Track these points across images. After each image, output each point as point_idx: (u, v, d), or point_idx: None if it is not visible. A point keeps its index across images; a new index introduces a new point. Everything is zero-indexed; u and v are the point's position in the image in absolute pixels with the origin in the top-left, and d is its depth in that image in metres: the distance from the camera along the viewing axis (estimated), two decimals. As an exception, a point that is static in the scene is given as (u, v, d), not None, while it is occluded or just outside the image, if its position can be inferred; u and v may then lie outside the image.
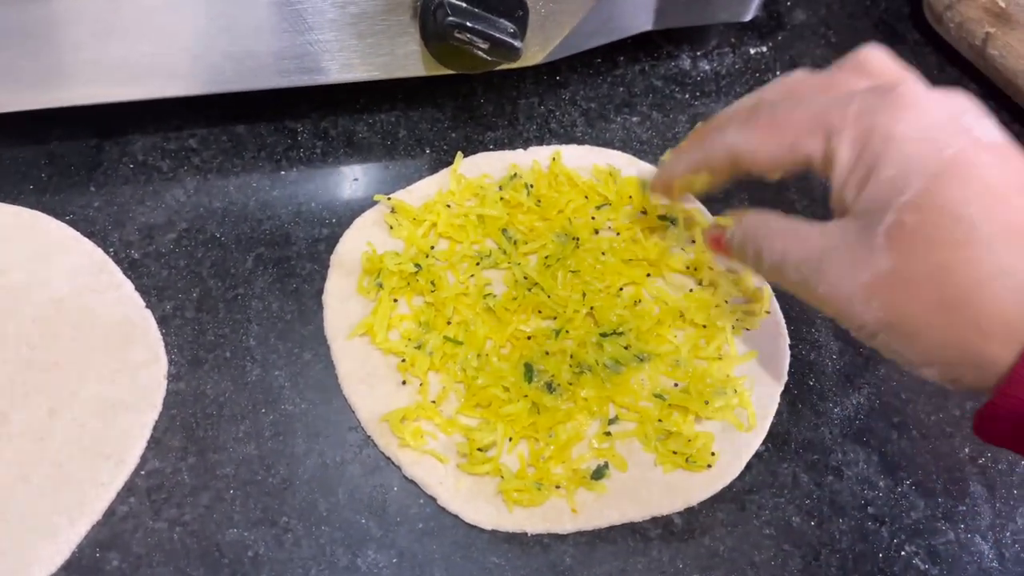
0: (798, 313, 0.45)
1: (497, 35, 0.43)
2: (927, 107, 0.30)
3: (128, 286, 0.43)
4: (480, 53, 0.43)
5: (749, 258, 0.36)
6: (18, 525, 0.36)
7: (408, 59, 0.46)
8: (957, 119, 0.30)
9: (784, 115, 0.33)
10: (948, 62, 0.56)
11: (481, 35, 0.42)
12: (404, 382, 0.41)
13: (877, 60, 0.34)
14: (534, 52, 0.47)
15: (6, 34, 0.41)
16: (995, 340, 0.28)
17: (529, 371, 0.41)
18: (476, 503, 0.38)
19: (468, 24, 0.42)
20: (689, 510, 0.39)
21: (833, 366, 0.43)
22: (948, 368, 0.30)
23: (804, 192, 0.49)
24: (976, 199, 0.28)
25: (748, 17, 0.52)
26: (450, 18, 0.42)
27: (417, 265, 0.43)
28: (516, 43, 0.43)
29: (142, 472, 0.38)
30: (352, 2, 0.43)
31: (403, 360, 0.41)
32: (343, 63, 0.46)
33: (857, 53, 0.35)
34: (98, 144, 0.48)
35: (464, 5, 0.42)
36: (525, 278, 0.43)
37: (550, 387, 0.40)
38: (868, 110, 0.30)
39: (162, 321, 0.42)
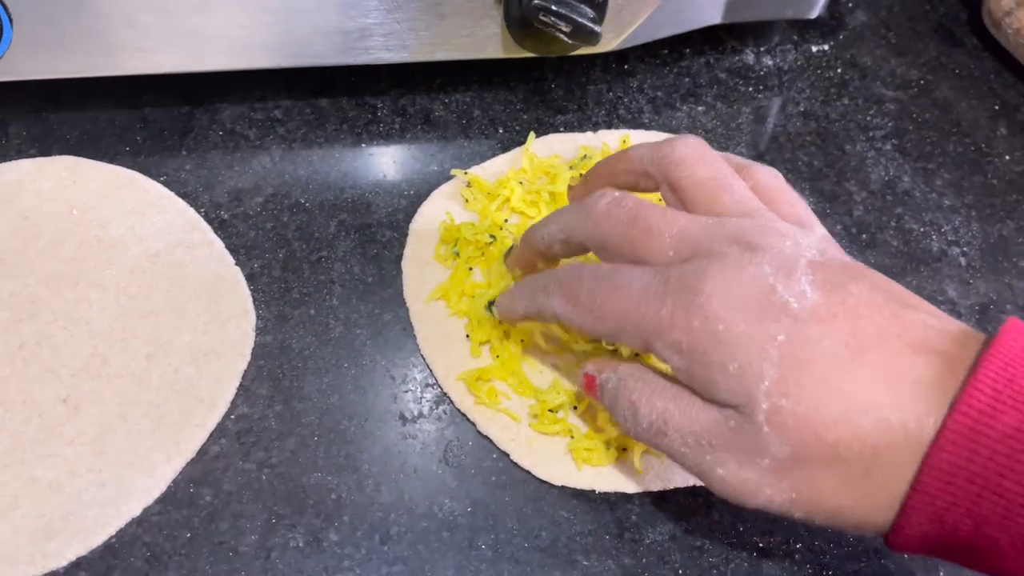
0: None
1: (579, 19, 0.45)
2: (736, 294, 0.30)
3: (219, 244, 0.45)
4: (561, 36, 0.45)
5: (622, 412, 0.34)
6: (118, 459, 0.38)
7: (488, 41, 0.48)
8: (771, 297, 0.29)
9: (604, 302, 0.33)
10: (1006, 68, 0.57)
11: (564, 18, 0.44)
12: (480, 343, 0.42)
13: (689, 171, 0.35)
14: (608, 39, 0.49)
15: (101, 2, 0.44)
16: (883, 488, 0.28)
17: (596, 339, 0.43)
18: (547, 460, 0.40)
19: (553, 7, 0.44)
20: (749, 477, 0.40)
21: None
22: (857, 524, 0.30)
23: (862, 184, 0.51)
24: (831, 374, 0.28)
25: (814, 15, 0.53)
26: (536, 0, 0.44)
27: (492, 236, 0.45)
28: (597, 28, 0.45)
29: (232, 416, 0.40)
30: (439, -17, 0.46)
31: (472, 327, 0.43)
32: (426, 42, 0.48)
33: (674, 148, 0.35)
34: (189, 111, 0.51)
35: (549, -11, 0.44)
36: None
37: (616, 354, 0.42)
38: (680, 314, 0.30)
39: (250, 278, 0.45)
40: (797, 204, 0.36)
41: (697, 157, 0.35)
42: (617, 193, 0.35)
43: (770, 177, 0.37)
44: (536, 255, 0.40)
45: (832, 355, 0.29)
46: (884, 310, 0.30)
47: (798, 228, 0.33)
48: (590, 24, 0.45)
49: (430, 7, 0.46)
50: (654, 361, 0.40)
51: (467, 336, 0.43)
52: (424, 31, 0.48)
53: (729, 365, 0.29)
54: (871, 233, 0.49)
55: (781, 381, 0.29)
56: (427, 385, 0.42)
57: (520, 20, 0.46)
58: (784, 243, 0.31)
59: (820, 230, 0.35)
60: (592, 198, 0.36)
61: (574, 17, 0.45)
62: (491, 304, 0.42)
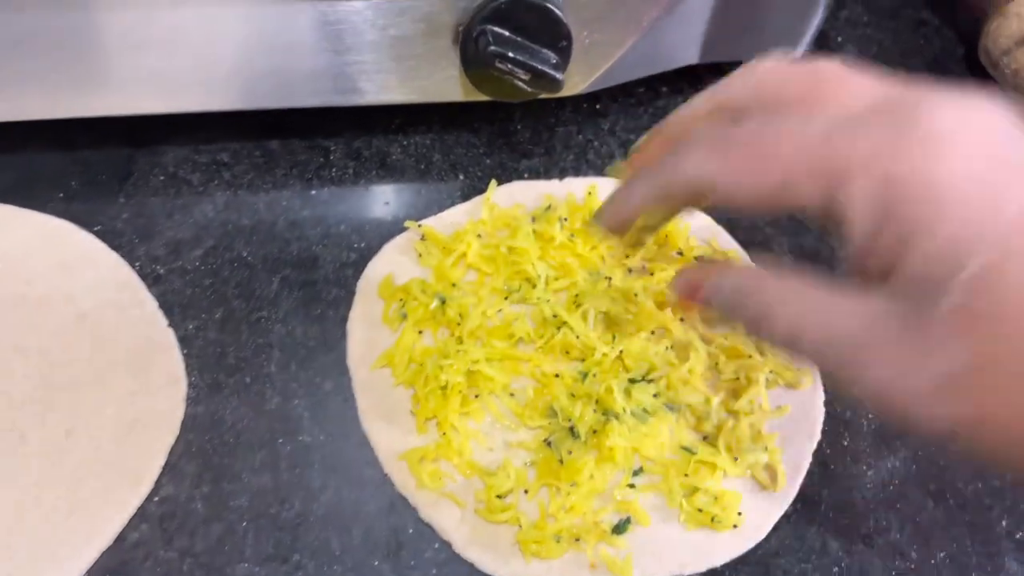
0: (835, 368, 0.43)
1: (539, 66, 0.42)
2: (965, 140, 0.23)
3: (152, 304, 0.42)
4: (520, 84, 0.42)
5: (745, 320, 0.27)
6: (28, 549, 0.36)
7: (446, 84, 0.45)
8: (1006, 151, 0.24)
9: (771, 144, 0.25)
10: (1004, 107, 0.54)
11: (523, 66, 0.41)
12: (426, 419, 0.40)
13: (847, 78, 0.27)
14: (575, 82, 0.46)
15: (39, 42, 0.41)
16: None
17: (553, 415, 0.40)
18: (493, 552, 0.37)
19: (510, 54, 0.41)
20: (712, 571, 0.37)
21: (868, 426, 0.42)
22: None
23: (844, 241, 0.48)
24: None
25: (799, 52, 0.50)
26: (492, 47, 0.41)
27: (442, 299, 0.42)
28: (558, 75, 0.42)
29: (155, 498, 0.38)
30: (392, 24, 0.42)
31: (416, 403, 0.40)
32: (380, 85, 0.45)
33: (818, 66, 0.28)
34: (130, 154, 0.48)
35: (507, 34, 0.41)
36: (554, 316, 0.42)
37: (573, 432, 0.39)
38: (887, 151, 0.24)
39: (183, 341, 0.42)
40: None
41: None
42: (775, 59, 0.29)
43: None
44: (672, 142, 0.31)
45: None
46: None
47: None
48: (551, 71, 0.42)
49: (382, 49, 0.43)
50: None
51: (412, 411, 0.40)
52: (377, 73, 0.44)
53: (931, 238, 0.23)
54: (854, 294, 0.46)
55: (990, 270, 0.22)
56: (367, 464, 0.39)
57: (477, 65, 0.43)
58: (1003, 107, 0.25)
59: None
60: (749, 64, 0.29)
61: (534, 64, 0.42)
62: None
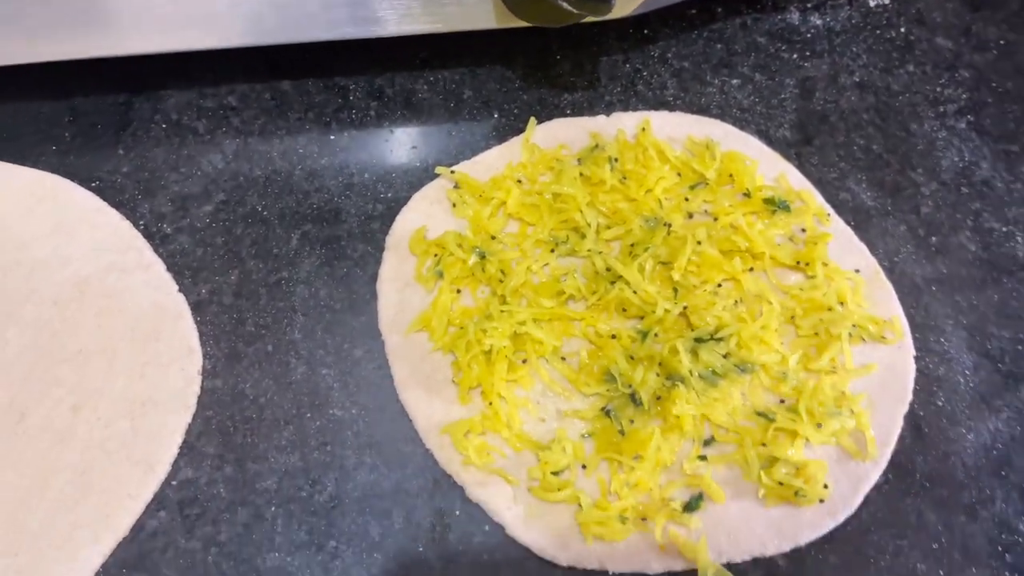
0: (925, 319, 0.38)
1: (586, -18, 0.36)
2: None
3: (159, 266, 0.38)
4: (565, 4, 0.37)
5: None
6: (36, 540, 0.32)
7: (478, 9, 0.40)
8: None
9: None
10: (1103, 20, 0.48)
11: (568, -18, 0.36)
12: (469, 389, 0.35)
13: None
14: (623, 3, 0.40)
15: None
16: None
17: (611, 380, 0.35)
18: (550, 534, 0.33)
19: (553, -31, 0.35)
20: (796, 551, 0.33)
21: (966, 384, 0.37)
22: None
23: (931, 173, 0.42)
24: None
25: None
26: (532, -39, 0.35)
27: (481, 254, 0.38)
28: (608, -8, 0.37)
29: (173, 482, 0.34)
30: (416, -60, 0.37)
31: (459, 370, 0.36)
32: (403, 13, 0.40)
33: None
34: (127, 100, 0.43)
35: (548, -55, 0.36)
36: (608, 269, 0.38)
37: (634, 399, 0.35)
38: None
39: (196, 308, 0.38)
40: None
41: None
42: None
43: None
44: None
45: None
46: None
47: None
48: (600, -12, 0.36)
49: (404, -31, 0.38)
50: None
51: (453, 380, 0.36)
52: (399, 0, 0.39)
53: None
54: (943, 235, 0.40)
55: None
56: (406, 439, 0.35)
57: (514, -16, 0.37)
58: None
59: None
60: None
61: (580, -21, 0.36)
62: None
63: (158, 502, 0.34)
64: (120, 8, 0.38)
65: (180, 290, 0.38)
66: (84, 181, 0.40)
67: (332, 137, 0.42)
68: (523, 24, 0.40)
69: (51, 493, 0.33)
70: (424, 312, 0.37)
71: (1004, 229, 0.41)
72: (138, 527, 0.33)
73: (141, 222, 0.39)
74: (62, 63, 0.40)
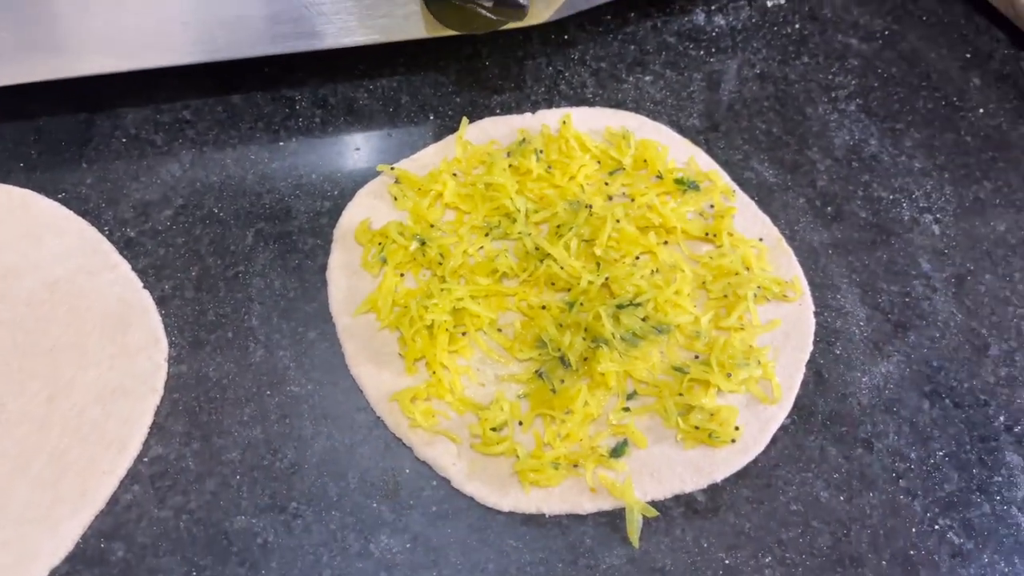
0: (822, 279, 0.43)
1: (501, -8, 0.40)
2: None
3: (124, 266, 0.41)
4: (484, 12, 0.41)
5: None
6: (19, 517, 0.35)
7: (408, 20, 0.44)
8: None
9: None
10: (976, 11, 0.53)
11: (484, -8, 0.40)
12: (414, 360, 0.39)
13: None
14: (540, 10, 0.45)
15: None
16: None
17: (543, 346, 0.39)
18: (491, 484, 0.36)
19: (470, -20, 0.40)
20: (712, 487, 0.37)
21: (860, 333, 0.41)
22: None
23: (826, 151, 0.47)
24: None
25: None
26: (451, -26, 0.39)
27: (421, 241, 0.41)
28: (522, 0, 0.41)
29: (145, 459, 0.37)
30: (347, -40, 0.41)
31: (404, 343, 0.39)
32: (340, 27, 0.44)
33: None
34: (88, 118, 0.46)
35: (466, -40, 0.40)
36: (537, 249, 0.41)
37: (564, 362, 0.39)
38: None
39: (160, 302, 0.41)
40: None
41: None
42: None
43: None
44: None
45: None
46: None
47: None
48: (515, -4, 0.41)
49: (339, -13, 0.42)
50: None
51: (400, 353, 0.39)
52: (336, 15, 0.43)
53: None
54: (837, 204, 0.45)
55: None
56: (358, 409, 0.38)
57: (438, -4, 0.41)
58: None
59: None
60: None
61: (495, -11, 0.40)
62: None
63: (131, 477, 0.36)
64: (79, 32, 0.41)
65: (145, 287, 0.41)
66: (51, 193, 0.43)
67: (281, 144, 0.46)
68: (451, 33, 0.44)
69: (31, 474, 0.36)
70: (371, 295, 0.41)
71: (891, 197, 0.46)
72: (113, 501, 0.36)
73: (106, 228, 0.43)
74: (25, 87, 0.43)
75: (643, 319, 0.40)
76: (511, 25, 0.43)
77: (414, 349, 0.39)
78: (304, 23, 0.43)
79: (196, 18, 0.42)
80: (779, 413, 0.39)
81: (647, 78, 0.49)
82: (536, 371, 0.39)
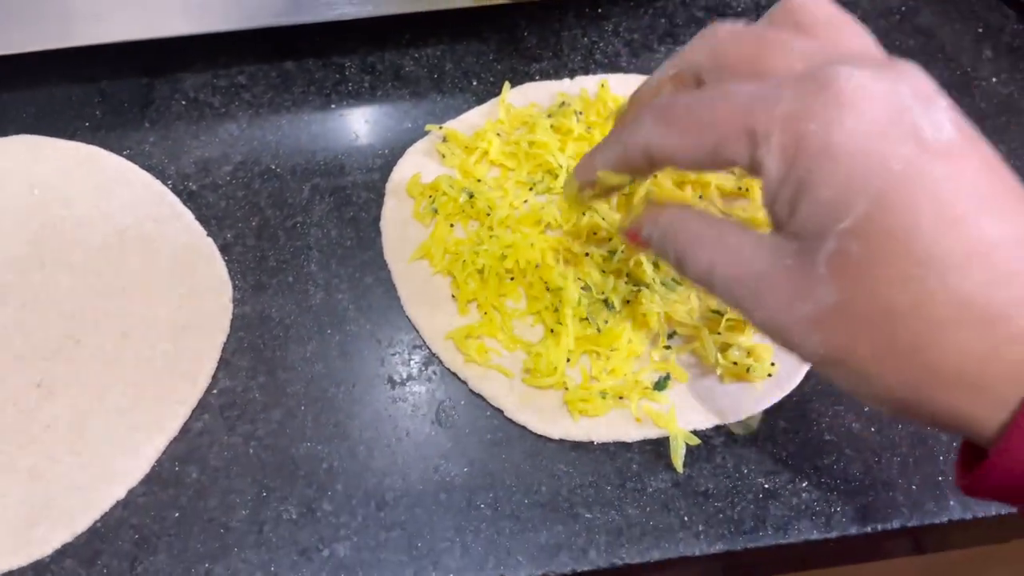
0: (849, 231, 0.45)
1: (548, -42, 0.43)
2: (868, 104, 0.25)
3: (188, 216, 0.44)
4: (530, -23, 0.44)
5: (671, 262, 0.31)
6: (98, 442, 0.37)
7: (456, -11, 0.47)
8: (904, 116, 0.25)
9: (705, 112, 0.28)
10: (988, -11, 0.56)
11: (532, -42, 0.43)
12: (467, 302, 0.41)
13: (810, 9, 0.29)
14: (579, -19, 0.47)
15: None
16: (962, 393, 0.24)
17: (587, 289, 0.41)
18: (542, 414, 0.39)
19: (520, -53, 0.42)
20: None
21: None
22: (912, 415, 0.26)
23: (849, 116, 0.49)
24: (928, 224, 0.24)
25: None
26: (502, -60, 0.42)
27: (470, 194, 0.44)
28: (566, -34, 0.43)
29: (214, 391, 0.39)
30: (401, -71, 0.44)
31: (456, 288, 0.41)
32: (391, -6, 0.46)
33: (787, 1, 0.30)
34: (149, 82, 0.49)
35: (514, -72, 0.43)
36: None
37: (608, 304, 0.41)
38: (799, 112, 0.26)
39: (223, 249, 0.43)
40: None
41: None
42: (732, 24, 0.30)
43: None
44: (638, 108, 0.33)
45: (941, 205, 0.24)
46: (1015, 175, 0.25)
47: None
48: (560, -38, 0.43)
49: (392, -45, 0.45)
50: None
51: (452, 295, 0.41)
52: (388, -18, 0.46)
53: (822, 188, 0.25)
54: (860, 165, 0.47)
55: (865, 221, 0.24)
56: (415, 347, 0.41)
57: (487, -37, 0.44)
58: (921, 77, 0.26)
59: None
60: (707, 29, 0.31)
61: (542, -44, 0.43)
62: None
63: (202, 408, 0.39)
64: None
65: (208, 235, 0.43)
66: (116, 151, 0.46)
67: (333, 107, 0.48)
68: (494, 2, 0.47)
69: (108, 403, 0.38)
70: (424, 242, 0.43)
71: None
72: (186, 429, 0.38)
73: (169, 182, 0.45)
74: (88, 52, 0.45)
75: (681, 265, 0.42)
76: (551, -5, 0.46)
77: (467, 291, 0.41)
78: (356, -9, 0.46)
79: (255, -15, 0.45)
80: (811, 352, 0.41)
81: (678, 48, 0.51)
82: (583, 316, 0.41)
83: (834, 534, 0.36)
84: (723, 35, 0.30)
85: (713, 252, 0.29)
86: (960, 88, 0.51)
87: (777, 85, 0.26)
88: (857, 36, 0.29)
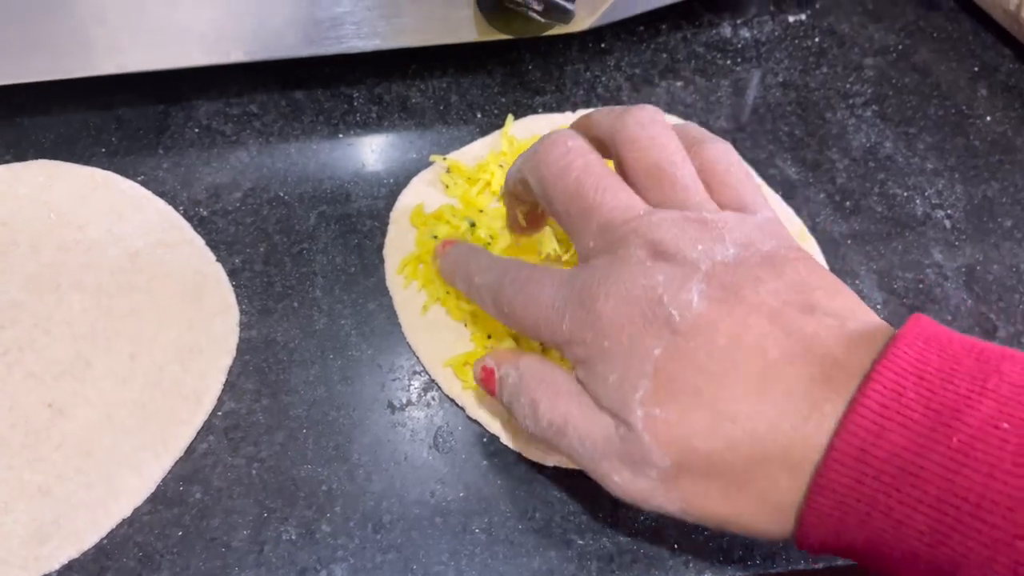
0: (842, 266, 0.46)
1: (551, -4, 0.44)
2: (620, 299, 0.30)
3: (199, 241, 0.45)
4: (534, 15, 0.45)
5: (521, 411, 0.34)
6: (106, 461, 0.38)
7: (462, 24, 0.48)
8: (653, 306, 0.30)
9: (520, 313, 0.35)
10: (983, 28, 0.57)
11: (536, -4, 0.44)
12: (465, 324, 0.42)
13: (636, 155, 0.34)
14: (582, 18, 0.49)
15: (71, 1, 0.43)
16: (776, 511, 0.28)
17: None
18: (537, 442, 0.40)
19: (523, -14, 0.44)
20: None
21: (878, 315, 0.44)
22: (749, 532, 0.30)
23: (844, 151, 0.51)
24: (701, 386, 0.28)
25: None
26: (506, -20, 0.43)
27: (471, 223, 0.45)
28: (569, 5, 0.45)
29: (219, 413, 0.40)
30: (409, -33, 0.45)
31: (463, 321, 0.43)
32: (398, 29, 0.48)
33: (625, 125, 0.34)
34: (164, 110, 0.50)
35: (519, -33, 0.44)
36: (578, 232, 0.45)
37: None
38: (575, 323, 0.32)
39: (232, 274, 0.44)
40: (742, 185, 0.34)
41: (647, 139, 0.34)
42: (573, 144, 0.34)
43: (720, 155, 0.35)
44: (510, 195, 0.40)
45: (702, 367, 0.29)
46: (780, 316, 0.29)
47: (733, 216, 0.32)
48: (563, 2, 0.45)
49: (401, -8, 0.46)
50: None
51: (466, 326, 0.43)
52: (395, 17, 0.47)
53: (610, 377, 0.30)
54: (855, 200, 0.49)
55: (655, 392, 0.29)
56: (414, 372, 0.42)
57: (492, 1, 0.45)
58: (694, 249, 0.30)
59: (764, 213, 0.33)
60: (547, 141, 0.35)
61: (546, -6, 0.44)
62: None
63: (207, 429, 0.40)
64: (156, 27, 0.46)
65: (217, 259, 0.44)
66: (130, 176, 0.47)
67: (340, 136, 0.50)
68: (500, 36, 0.48)
69: (116, 423, 0.39)
70: (405, 257, 0.44)
71: (905, 194, 0.49)
72: (191, 449, 0.39)
73: (181, 207, 0.46)
74: (106, 81, 0.47)
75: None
76: (553, 31, 0.48)
77: (480, 328, 0.42)
78: (364, 25, 0.47)
79: (264, 18, 0.46)
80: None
81: (678, 83, 0.53)
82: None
83: (821, 564, 0.37)
84: (551, 161, 0.35)
85: (571, 406, 0.32)
86: (955, 126, 0.52)
87: (560, 302, 0.32)
88: (673, 185, 0.33)
